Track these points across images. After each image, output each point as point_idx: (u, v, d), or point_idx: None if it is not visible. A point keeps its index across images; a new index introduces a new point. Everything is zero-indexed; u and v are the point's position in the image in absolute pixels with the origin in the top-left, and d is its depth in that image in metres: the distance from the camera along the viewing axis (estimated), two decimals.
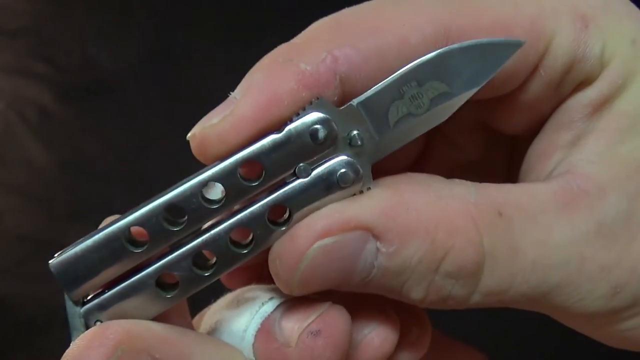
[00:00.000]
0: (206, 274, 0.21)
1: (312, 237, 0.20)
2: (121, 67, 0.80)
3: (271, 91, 0.22)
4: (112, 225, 0.21)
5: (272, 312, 0.21)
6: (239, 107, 0.22)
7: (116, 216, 0.22)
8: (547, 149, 0.23)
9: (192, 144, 0.23)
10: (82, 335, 0.20)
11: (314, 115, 0.20)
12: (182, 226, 0.21)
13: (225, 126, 0.22)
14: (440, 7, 0.22)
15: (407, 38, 0.21)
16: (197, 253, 0.21)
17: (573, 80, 0.23)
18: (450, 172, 0.22)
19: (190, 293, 0.21)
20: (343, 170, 0.20)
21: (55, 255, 0.23)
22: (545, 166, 0.23)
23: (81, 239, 0.22)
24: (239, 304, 0.23)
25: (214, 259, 0.21)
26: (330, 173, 0.20)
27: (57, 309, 0.63)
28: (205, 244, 0.21)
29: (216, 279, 0.22)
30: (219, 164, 0.21)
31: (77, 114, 0.76)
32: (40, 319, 0.61)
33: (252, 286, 0.23)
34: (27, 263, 0.65)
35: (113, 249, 0.21)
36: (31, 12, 0.86)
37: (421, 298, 0.21)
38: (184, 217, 0.21)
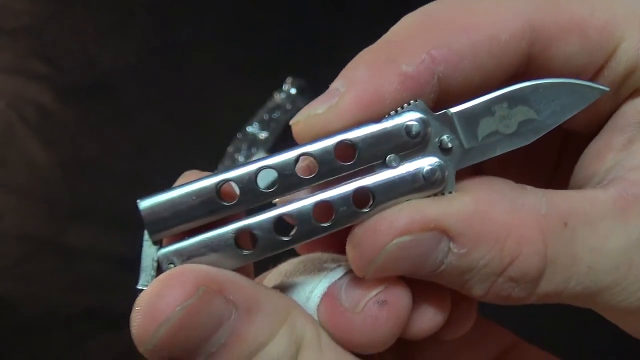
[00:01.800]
0: (284, 239, 0.22)
1: (393, 234, 0.21)
2: (121, 67, 0.80)
3: (375, 90, 0.23)
4: (208, 178, 0.22)
5: (339, 279, 0.22)
6: (344, 100, 0.23)
7: (196, 171, 0.23)
8: (601, 150, 0.24)
9: (295, 129, 0.24)
10: (161, 276, 0.21)
11: (412, 114, 0.22)
12: (272, 189, 0.22)
13: (329, 116, 0.23)
14: (523, 3, 0.23)
15: (497, 36, 0.23)
16: (280, 218, 0.22)
17: (632, 84, 0.24)
18: (505, 155, 0.24)
19: (265, 255, 0.22)
20: (430, 167, 0.22)
21: (146, 196, 0.24)
22: (599, 167, 0.24)
23: (173, 186, 0.24)
24: (305, 268, 0.24)
25: (295, 228, 0.22)
26: (418, 168, 0.22)
27: (57, 309, 0.63)
28: (289, 212, 0.22)
29: (292, 246, 0.23)
30: (318, 140, 0.22)
31: (77, 114, 0.76)
32: (40, 319, 0.61)
33: (319, 254, 0.25)
34: (27, 263, 0.65)
35: (204, 199, 0.22)
36: (31, 12, 0.86)
37: (481, 295, 0.22)
38: (275, 183, 0.22)
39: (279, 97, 0.73)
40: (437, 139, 0.22)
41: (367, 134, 0.22)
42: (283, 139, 0.72)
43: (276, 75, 0.75)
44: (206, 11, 0.86)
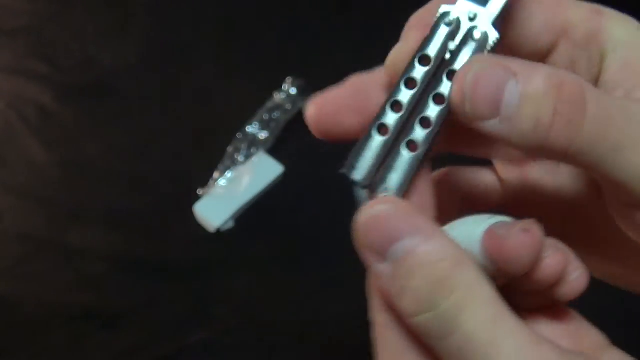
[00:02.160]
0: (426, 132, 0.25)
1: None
2: (121, 67, 0.80)
3: None
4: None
5: (495, 223, 0.25)
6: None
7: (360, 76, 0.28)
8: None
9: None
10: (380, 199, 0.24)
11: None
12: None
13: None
14: None
15: None
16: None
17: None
18: None
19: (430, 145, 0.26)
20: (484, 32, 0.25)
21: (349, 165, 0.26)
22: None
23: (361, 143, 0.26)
24: (463, 222, 0.27)
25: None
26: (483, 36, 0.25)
27: (57, 309, 0.63)
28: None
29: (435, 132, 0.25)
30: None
31: (77, 114, 0.76)
32: (40, 319, 0.61)
33: (477, 215, 0.27)
34: (27, 263, 0.65)
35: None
36: (31, 12, 0.86)
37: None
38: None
39: (279, 97, 0.73)
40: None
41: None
42: (283, 139, 0.72)
43: (276, 75, 0.75)
44: (206, 11, 0.86)
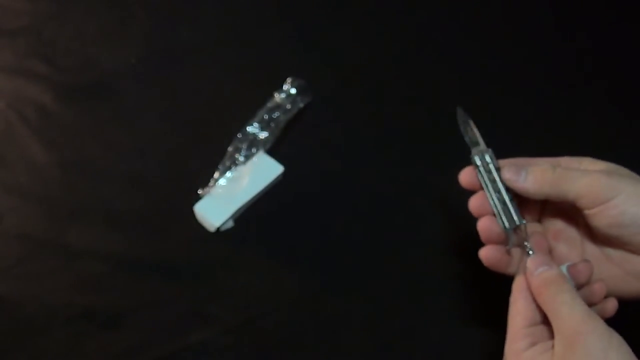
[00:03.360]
0: None
1: None
2: (121, 67, 0.80)
3: None
4: None
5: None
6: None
7: None
8: None
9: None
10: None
11: None
12: None
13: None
14: None
15: None
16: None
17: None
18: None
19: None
20: None
21: None
22: None
23: None
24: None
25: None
26: None
27: (57, 309, 0.63)
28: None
29: None
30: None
31: (77, 114, 0.76)
32: (40, 319, 0.61)
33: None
34: (27, 263, 0.65)
35: None
36: (31, 12, 0.86)
37: None
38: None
39: (279, 97, 0.73)
40: None
41: None
42: (283, 139, 0.73)
43: (276, 75, 0.76)
44: (206, 11, 0.86)
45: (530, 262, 0.44)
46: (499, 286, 0.63)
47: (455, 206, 0.69)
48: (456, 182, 0.72)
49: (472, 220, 0.67)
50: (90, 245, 0.66)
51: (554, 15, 0.85)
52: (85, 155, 0.72)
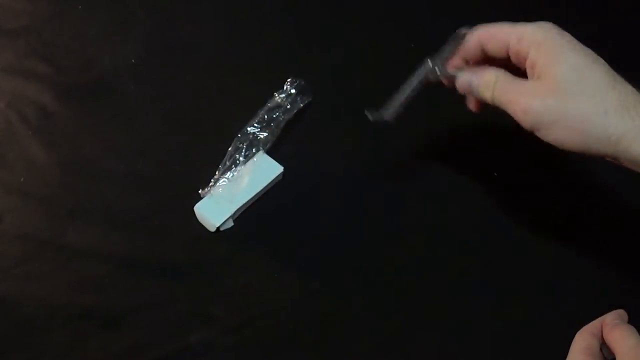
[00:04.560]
0: None
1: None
2: (121, 67, 0.80)
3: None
4: None
5: None
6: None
7: None
8: None
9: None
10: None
11: None
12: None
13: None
14: None
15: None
16: None
17: None
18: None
19: None
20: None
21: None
22: None
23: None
24: None
25: None
26: None
27: (57, 309, 0.63)
28: None
29: None
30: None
31: (77, 114, 0.76)
32: (40, 319, 0.61)
33: None
34: (27, 263, 0.65)
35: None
36: (31, 12, 0.86)
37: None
38: None
39: (279, 97, 0.73)
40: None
41: None
42: (283, 139, 0.72)
43: (276, 75, 0.75)
44: (206, 11, 0.86)
45: None
46: (499, 286, 0.63)
47: (455, 206, 0.69)
48: (457, 181, 0.72)
49: (473, 220, 0.68)
50: (90, 245, 0.66)
51: (554, 19, 0.85)
52: (85, 155, 0.72)
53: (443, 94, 0.77)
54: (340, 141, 0.73)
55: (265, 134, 0.71)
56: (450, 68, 0.58)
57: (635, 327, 0.50)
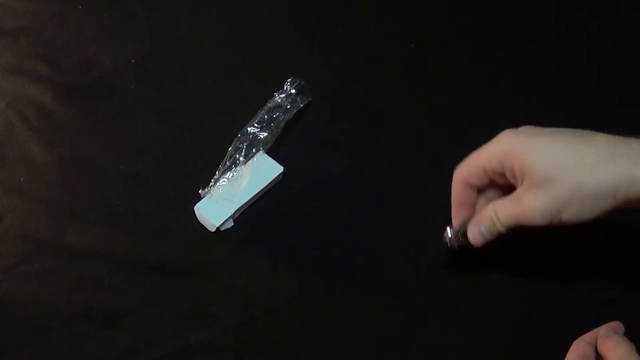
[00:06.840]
0: None
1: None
2: (121, 67, 0.80)
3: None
4: None
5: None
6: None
7: None
8: None
9: None
10: None
11: None
12: None
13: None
14: None
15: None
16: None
17: None
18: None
19: None
20: None
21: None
22: None
23: None
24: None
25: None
26: None
27: (57, 309, 0.63)
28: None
29: None
30: None
31: (77, 114, 0.76)
32: (40, 319, 0.61)
33: None
34: (27, 263, 0.65)
35: None
36: (31, 12, 0.86)
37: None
38: None
39: (279, 97, 0.73)
40: None
41: None
42: (283, 139, 0.72)
43: (276, 75, 0.76)
44: (206, 11, 0.86)
45: None
46: (500, 286, 0.63)
47: None
48: None
49: None
50: (90, 245, 0.66)
51: (555, 17, 0.85)
52: (85, 155, 0.72)
53: (443, 93, 0.77)
54: (340, 141, 0.73)
55: (265, 134, 0.71)
56: (456, 223, 0.59)
57: (632, 336, 0.51)
